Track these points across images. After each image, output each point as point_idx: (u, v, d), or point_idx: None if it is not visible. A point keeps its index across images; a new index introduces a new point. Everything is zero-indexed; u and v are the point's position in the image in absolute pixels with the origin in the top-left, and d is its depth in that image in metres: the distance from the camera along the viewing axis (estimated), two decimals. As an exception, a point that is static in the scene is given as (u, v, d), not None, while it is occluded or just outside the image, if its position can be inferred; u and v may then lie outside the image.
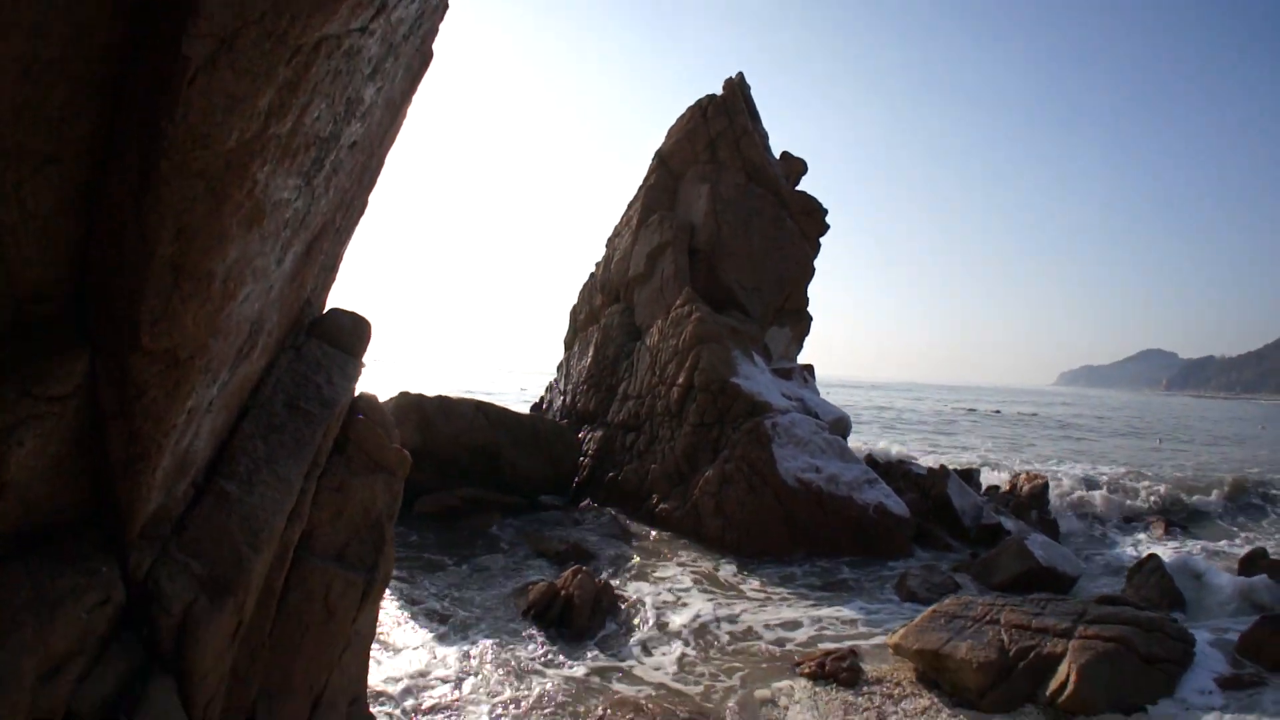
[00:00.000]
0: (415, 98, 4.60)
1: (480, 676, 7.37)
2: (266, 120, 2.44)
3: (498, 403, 16.07)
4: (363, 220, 4.92)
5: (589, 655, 8.13)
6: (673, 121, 20.12)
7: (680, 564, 11.83)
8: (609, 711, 6.48)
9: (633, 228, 18.99)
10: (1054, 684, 7.25)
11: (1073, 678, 7.16)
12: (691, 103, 19.85)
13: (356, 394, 4.54)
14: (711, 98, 19.37)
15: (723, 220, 16.88)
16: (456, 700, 6.84)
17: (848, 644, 8.78)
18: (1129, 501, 20.39)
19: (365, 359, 4.84)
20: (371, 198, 4.85)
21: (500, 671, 7.50)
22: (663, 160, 19.57)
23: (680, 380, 14.71)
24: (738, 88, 19.40)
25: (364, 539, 4.20)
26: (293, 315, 4.15)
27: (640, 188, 20.00)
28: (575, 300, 21.49)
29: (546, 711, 6.77)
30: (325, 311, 4.74)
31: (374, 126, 3.89)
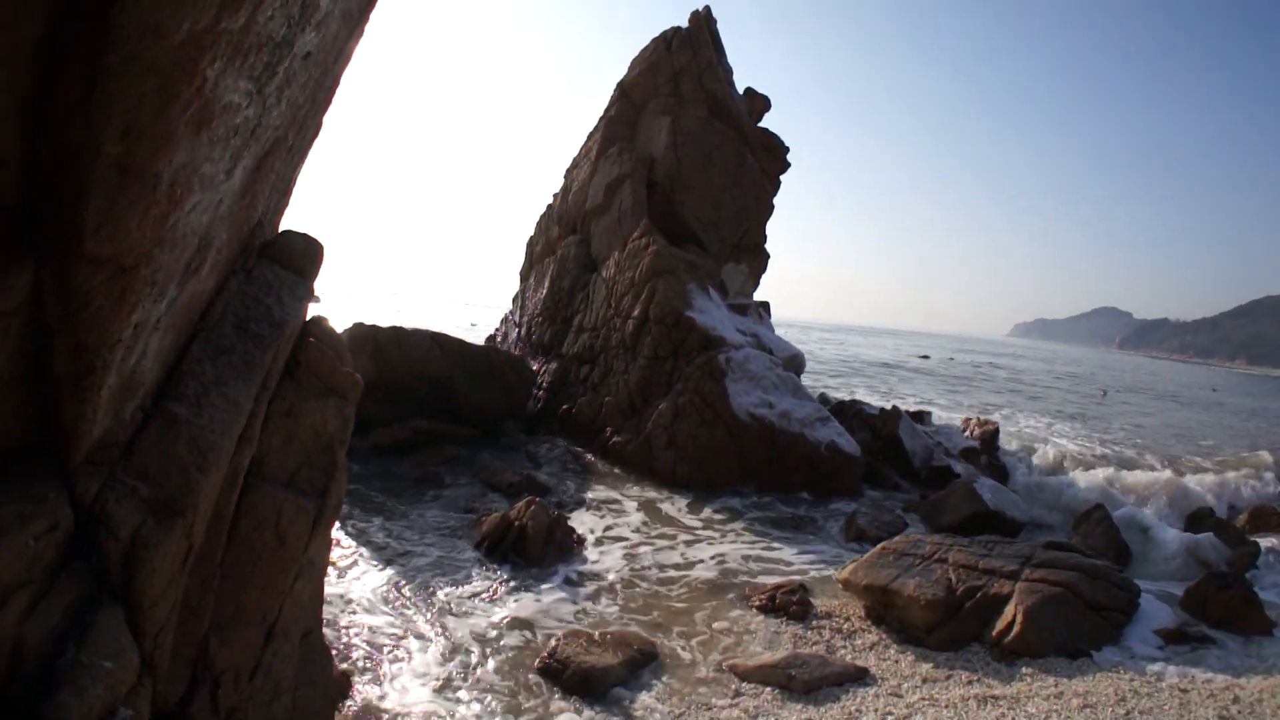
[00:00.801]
0: (373, 14, 4.35)
1: (430, 609, 7.32)
2: (219, 13, 2.26)
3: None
4: (317, 142, 4.71)
5: (542, 587, 8.12)
6: (637, 53, 19.65)
7: (633, 497, 11.87)
8: (561, 643, 6.50)
9: (592, 159, 18.66)
10: (1000, 624, 7.41)
11: (1019, 619, 7.32)
12: (657, 34, 19.41)
13: (309, 317, 4.39)
14: (677, 30, 18.94)
15: (683, 154, 16.63)
16: (405, 633, 6.78)
17: (798, 578, 8.90)
18: (1068, 449, 20.88)
19: (319, 285, 4.70)
20: (326, 119, 4.64)
21: (451, 603, 7.46)
22: (624, 92, 19.15)
23: (636, 313, 14.64)
24: (704, 21, 18.99)
25: (315, 464, 4.11)
26: (243, 235, 3.98)
27: (601, 119, 19.61)
28: (532, 232, 21.15)
29: (500, 643, 6.76)
30: (278, 234, 4.57)
31: (329, 39, 3.67)
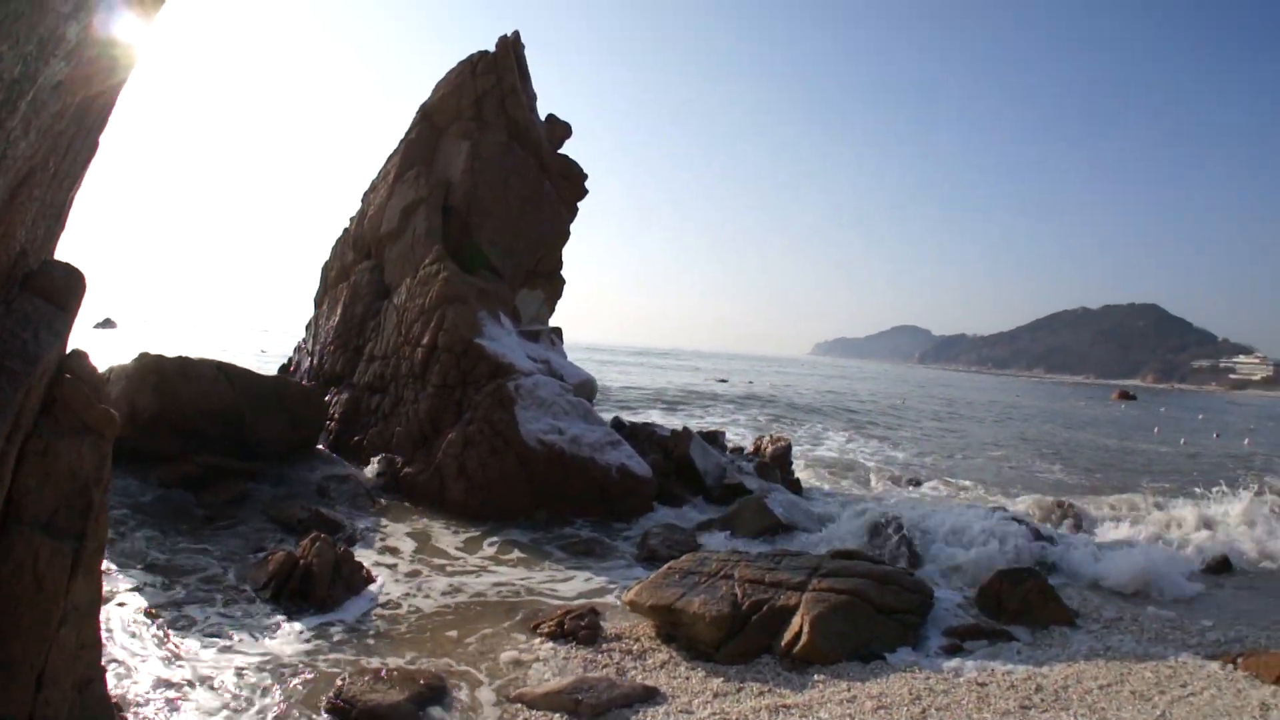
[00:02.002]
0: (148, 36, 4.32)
1: (214, 654, 6.84)
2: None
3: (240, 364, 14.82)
4: (93, 163, 4.64)
5: (329, 625, 7.73)
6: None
7: (423, 529, 11.49)
8: (347, 682, 6.18)
9: (389, 182, 18.06)
10: (788, 635, 7.47)
11: (806, 629, 7.40)
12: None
13: (69, 351, 4.37)
14: (484, 54, 18.68)
15: (480, 179, 16.34)
16: (188, 680, 6.29)
17: (588, 602, 8.78)
18: (867, 462, 21.85)
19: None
20: (103, 139, 4.60)
21: (236, 647, 7.02)
22: (426, 114, 18.71)
23: (425, 340, 14.15)
24: (511, 46, 18.83)
25: (73, 505, 4.03)
26: (3, 267, 3.92)
27: (401, 141, 19.05)
28: (328, 256, 20.19)
29: (286, 686, 6.35)
30: (41, 264, 4.39)
31: (86, 62, 3.72)
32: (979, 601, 9.24)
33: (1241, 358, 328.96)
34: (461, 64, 18.72)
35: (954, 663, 7.43)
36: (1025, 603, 8.94)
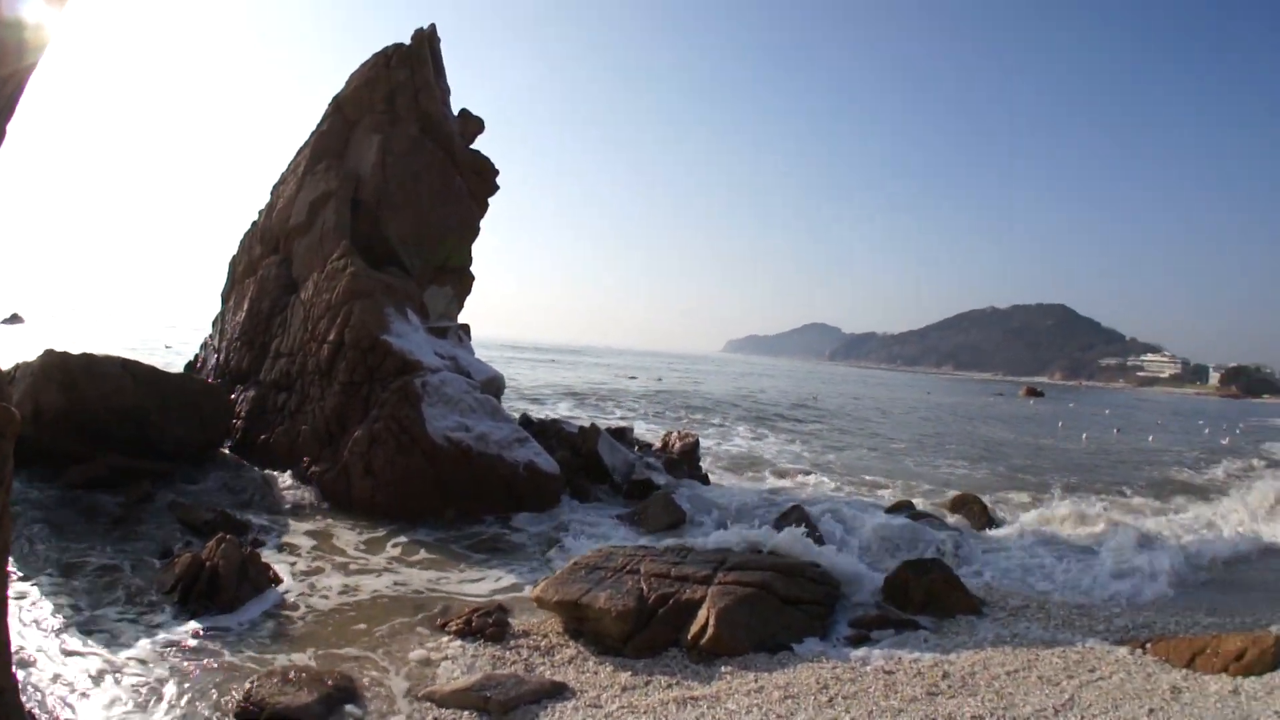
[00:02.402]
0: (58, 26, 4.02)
1: (121, 659, 6.67)
2: None
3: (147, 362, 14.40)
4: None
5: (236, 628, 7.62)
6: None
7: (330, 528, 11.35)
8: (256, 685, 6.10)
9: (299, 175, 17.65)
10: (694, 628, 7.51)
11: (711, 621, 7.45)
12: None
13: None
14: (398, 47, 18.37)
15: (391, 173, 16.08)
16: (94, 686, 6.16)
17: (496, 600, 8.77)
18: (776, 455, 22.12)
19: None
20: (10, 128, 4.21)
21: (144, 653, 6.85)
22: (339, 106, 18.33)
23: (331, 337, 13.89)
24: (426, 40, 18.57)
25: None
26: None
27: (312, 133, 18.63)
28: (236, 250, 19.62)
29: (194, 690, 6.24)
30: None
31: None
32: (885, 592, 9.33)
33: (1149, 356, 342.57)
34: (376, 56, 18.42)
35: (861, 652, 7.52)
36: (931, 593, 9.04)
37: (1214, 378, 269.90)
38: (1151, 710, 6.13)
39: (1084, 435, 40.42)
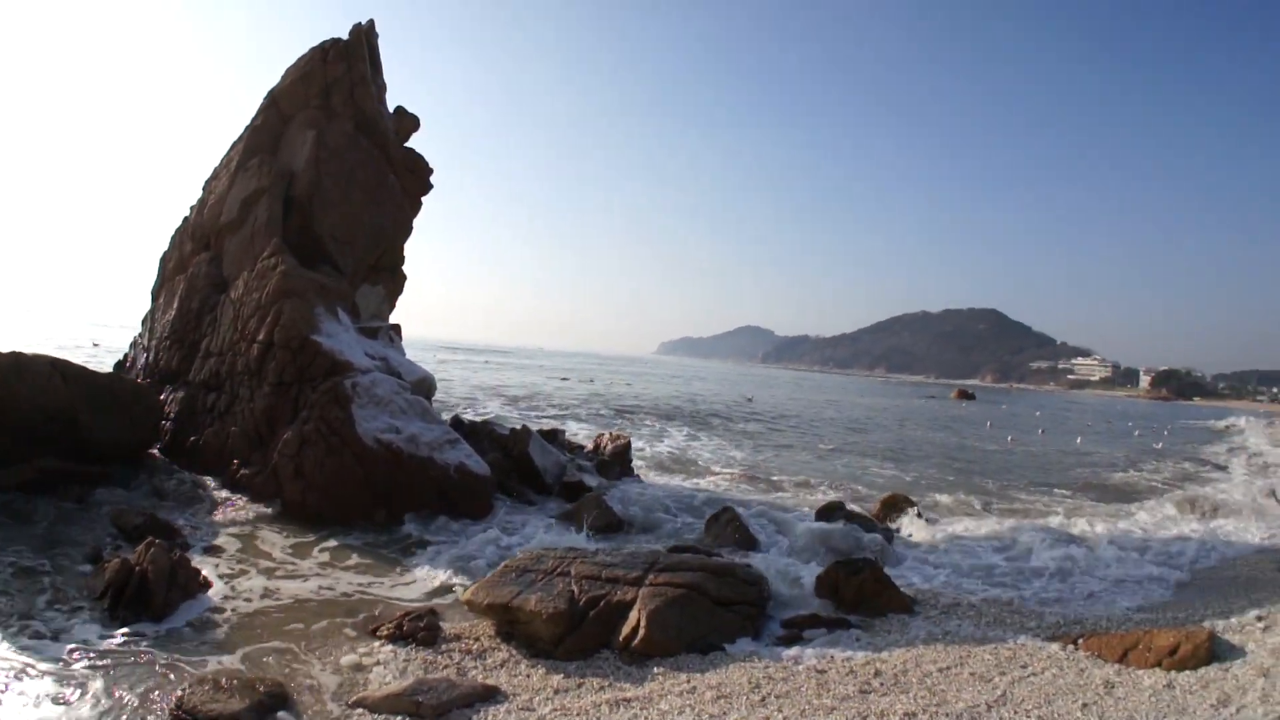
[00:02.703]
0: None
1: (48, 669, 6.52)
2: None
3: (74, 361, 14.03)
4: None
5: (166, 634, 7.48)
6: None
7: (260, 532, 11.18)
8: (188, 693, 6.01)
9: (231, 170, 17.31)
10: (626, 630, 7.53)
11: (643, 623, 7.47)
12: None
13: None
14: (336, 41, 18.07)
15: (324, 170, 15.82)
16: (14, 699, 6.02)
17: (427, 604, 8.72)
18: (709, 457, 22.20)
19: None
20: None
21: (72, 663, 6.68)
22: (274, 100, 17.99)
23: (261, 336, 13.64)
24: (364, 34, 18.30)
25: None
26: None
27: (246, 128, 18.26)
28: (167, 247, 19.19)
29: (125, 699, 6.11)
30: None
31: None
32: (817, 591, 9.40)
33: (1080, 359, 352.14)
34: (313, 50, 18.10)
35: (793, 651, 7.60)
36: (862, 592, 9.13)
37: (1144, 381, 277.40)
38: (1085, 705, 6.27)
39: (1009, 437, 41.16)
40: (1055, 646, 7.94)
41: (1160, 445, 42.27)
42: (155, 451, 14.40)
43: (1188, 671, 7.13)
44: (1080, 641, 7.98)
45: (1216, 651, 7.53)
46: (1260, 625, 8.54)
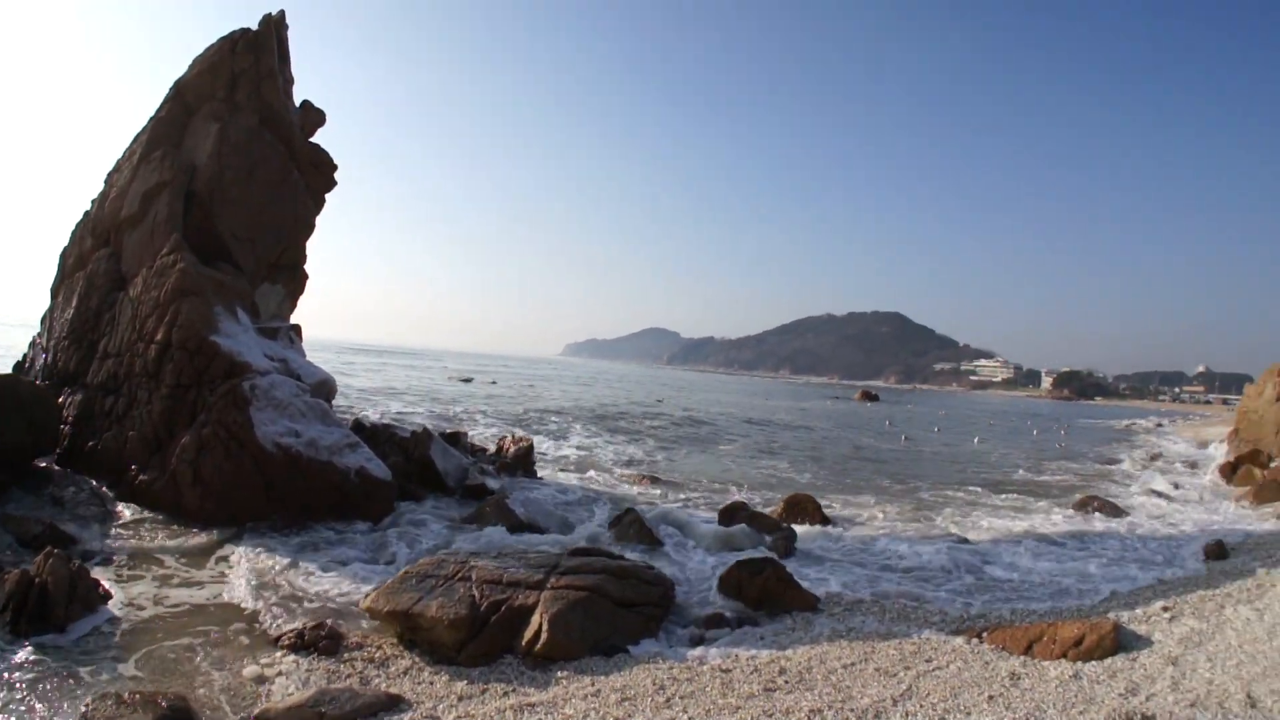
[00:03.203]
0: None
1: None
2: None
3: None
4: None
5: (67, 648, 7.27)
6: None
7: (159, 539, 10.95)
8: (90, 708, 5.88)
9: (133, 163, 16.71)
10: (528, 634, 7.54)
11: (545, 627, 7.49)
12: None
13: None
14: (245, 32, 17.56)
15: (227, 165, 15.40)
16: None
17: (329, 611, 8.62)
18: (613, 459, 22.16)
19: None
20: None
21: None
22: (180, 92, 17.43)
23: (159, 337, 13.26)
24: (275, 26, 17.81)
25: None
26: None
27: (150, 119, 17.67)
28: (67, 242, 18.49)
29: (27, 716, 5.98)
30: None
31: None
32: (721, 591, 9.53)
33: (982, 361, 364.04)
34: (222, 40, 17.56)
35: (698, 651, 7.67)
36: (765, 591, 9.28)
37: (1046, 382, 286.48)
38: (991, 697, 6.34)
39: (903, 436, 42.18)
40: (960, 640, 8.05)
41: (1059, 445, 43.70)
42: (54, 457, 13.92)
43: (1094, 662, 7.27)
44: (985, 635, 8.08)
45: (1123, 642, 7.73)
46: (1166, 616, 8.84)
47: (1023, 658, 7.49)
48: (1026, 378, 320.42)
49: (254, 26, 17.73)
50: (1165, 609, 9.12)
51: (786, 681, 6.82)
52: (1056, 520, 16.98)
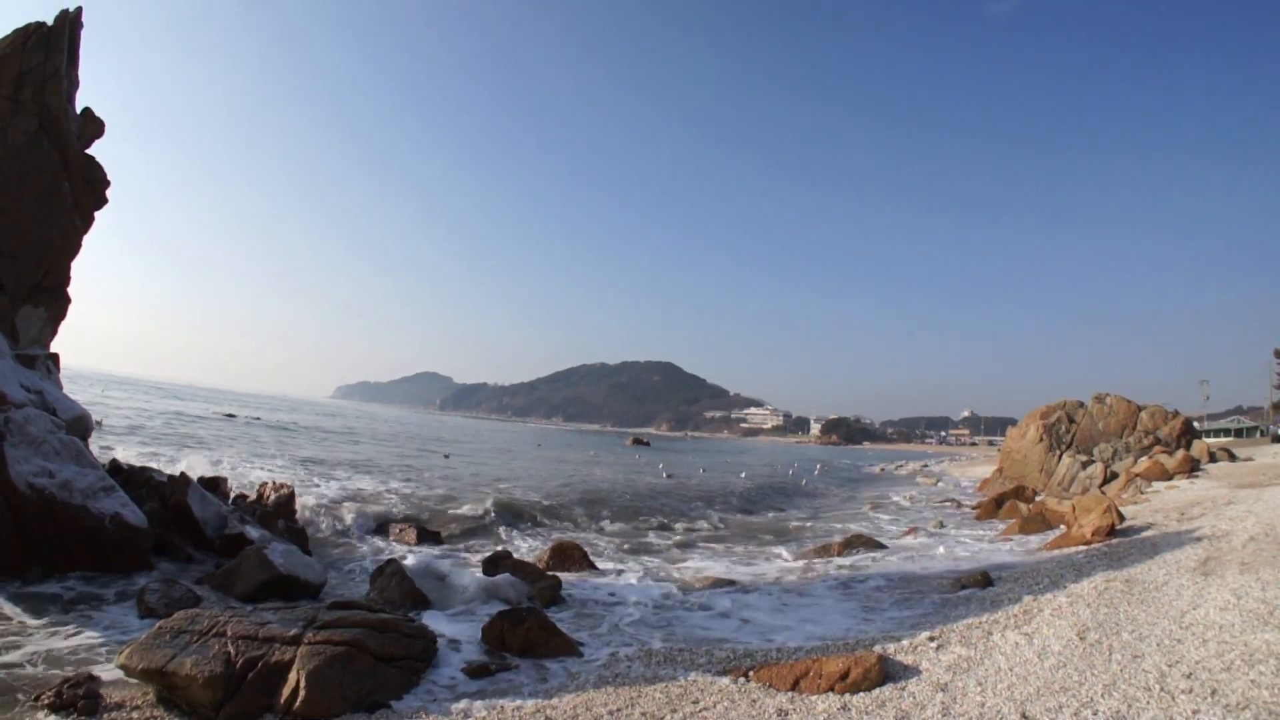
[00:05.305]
0: None
1: None
2: None
3: None
4: None
5: None
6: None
7: None
8: None
9: (-99, 166, 14.92)
10: (286, 691, 7.32)
11: (302, 684, 7.29)
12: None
13: None
14: (40, 25, 16.17)
15: (1, 170, 14.27)
16: None
17: (87, 669, 8.15)
18: (380, 510, 21.75)
19: None
20: None
21: None
22: (-39, 84, 15.77)
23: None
24: (69, 24, 16.53)
25: None
26: None
27: (-72, 115, 15.83)
28: None
29: None
30: None
31: None
32: (485, 641, 9.60)
33: (753, 409, 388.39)
34: (16, 32, 15.95)
35: (462, 705, 7.52)
36: (528, 640, 9.38)
37: (815, 428, 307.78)
38: None
39: (664, 472, 45.11)
40: (726, 680, 8.07)
41: (810, 484, 47.21)
42: None
43: (862, 694, 7.34)
44: (751, 673, 8.13)
45: (889, 672, 7.86)
46: (933, 645, 8.93)
47: (790, 694, 7.55)
48: (796, 424, 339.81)
49: (49, 21, 16.54)
50: (931, 639, 9.22)
51: (553, 731, 6.68)
52: (809, 559, 17.69)
